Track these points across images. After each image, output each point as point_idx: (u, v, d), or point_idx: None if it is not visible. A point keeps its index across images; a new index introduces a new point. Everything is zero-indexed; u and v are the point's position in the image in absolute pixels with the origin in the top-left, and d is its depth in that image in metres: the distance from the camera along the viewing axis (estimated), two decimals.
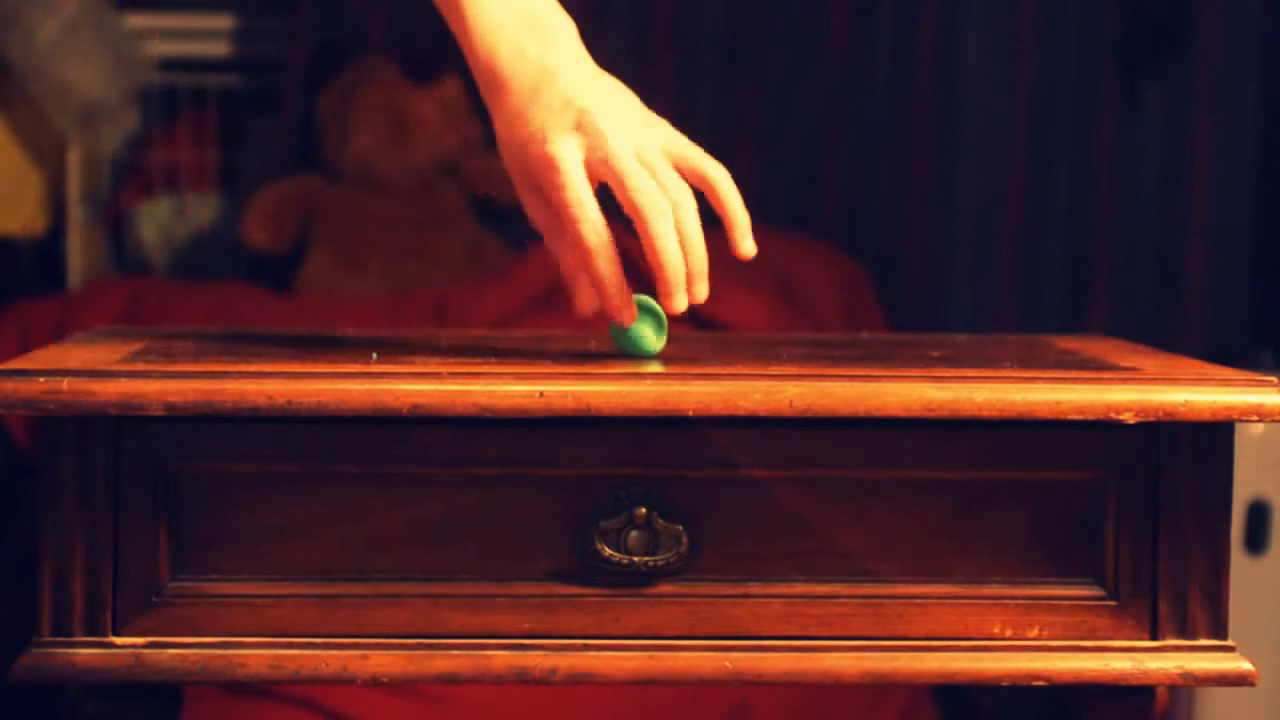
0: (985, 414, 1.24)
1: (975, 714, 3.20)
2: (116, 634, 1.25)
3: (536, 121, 1.32)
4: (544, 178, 1.32)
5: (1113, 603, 1.28)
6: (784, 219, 3.42)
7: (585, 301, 1.36)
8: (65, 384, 1.22)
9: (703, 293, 1.34)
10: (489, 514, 1.26)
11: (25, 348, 2.78)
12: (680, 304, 1.33)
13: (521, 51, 1.34)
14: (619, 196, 1.32)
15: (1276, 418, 1.25)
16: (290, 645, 1.26)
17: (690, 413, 1.23)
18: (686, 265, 1.32)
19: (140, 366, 1.24)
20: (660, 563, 1.26)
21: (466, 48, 1.36)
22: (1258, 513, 2.92)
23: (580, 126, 1.32)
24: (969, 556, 1.28)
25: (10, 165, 3.35)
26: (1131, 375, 1.28)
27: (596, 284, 1.33)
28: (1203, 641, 1.29)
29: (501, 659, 1.26)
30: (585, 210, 1.31)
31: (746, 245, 1.35)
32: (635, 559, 1.26)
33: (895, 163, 3.46)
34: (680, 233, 1.32)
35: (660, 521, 1.26)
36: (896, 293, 3.40)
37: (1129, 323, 3.38)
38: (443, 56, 3.36)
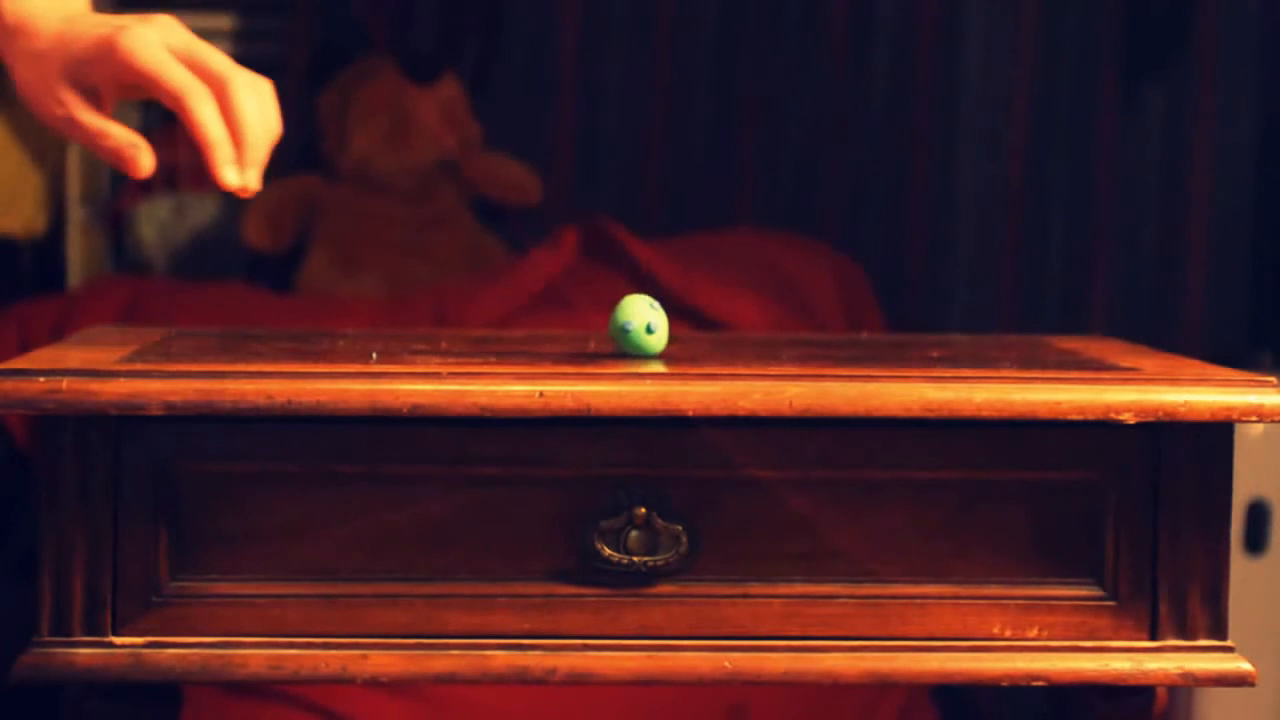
0: (985, 414, 1.24)
1: (975, 714, 3.20)
2: (116, 634, 1.25)
3: (88, 32, 1.33)
4: (121, 63, 1.31)
5: (1112, 603, 1.28)
6: (784, 219, 3.42)
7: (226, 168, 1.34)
8: (65, 384, 1.22)
9: (253, 178, 1.32)
10: (489, 514, 1.26)
11: (25, 348, 2.78)
12: (231, 177, 1.31)
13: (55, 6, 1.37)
14: (159, 85, 1.31)
15: (1276, 418, 1.25)
16: (290, 645, 1.26)
17: (690, 413, 1.23)
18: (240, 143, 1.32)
19: (140, 366, 1.24)
20: (660, 563, 1.26)
21: None
22: (1258, 513, 2.92)
23: (122, 29, 1.32)
24: (969, 557, 1.28)
25: (10, 165, 3.35)
26: (1131, 375, 1.28)
27: (207, 131, 1.31)
28: (1202, 642, 1.29)
29: (501, 659, 1.26)
30: (176, 68, 1.31)
31: (228, 176, 1.31)
32: (635, 559, 1.26)
33: (895, 163, 3.46)
34: (233, 111, 1.31)
35: (660, 521, 1.26)
36: (896, 293, 3.40)
37: (1129, 323, 3.38)
38: (443, 56, 3.36)
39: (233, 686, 2.39)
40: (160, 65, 1.31)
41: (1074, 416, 1.25)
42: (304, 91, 3.39)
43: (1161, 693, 1.32)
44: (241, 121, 1.31)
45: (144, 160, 1.34)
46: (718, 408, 1.23)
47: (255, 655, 1.25)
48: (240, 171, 1.32)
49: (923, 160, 3.45)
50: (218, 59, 1.33)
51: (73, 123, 1.35)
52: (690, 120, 3.47)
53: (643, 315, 1.36)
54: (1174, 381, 1.26)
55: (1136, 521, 1.28)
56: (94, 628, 1.25)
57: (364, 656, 1.26)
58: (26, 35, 1.37)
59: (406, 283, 3.18)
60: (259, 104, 1.33)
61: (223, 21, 3.58)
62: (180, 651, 1.25)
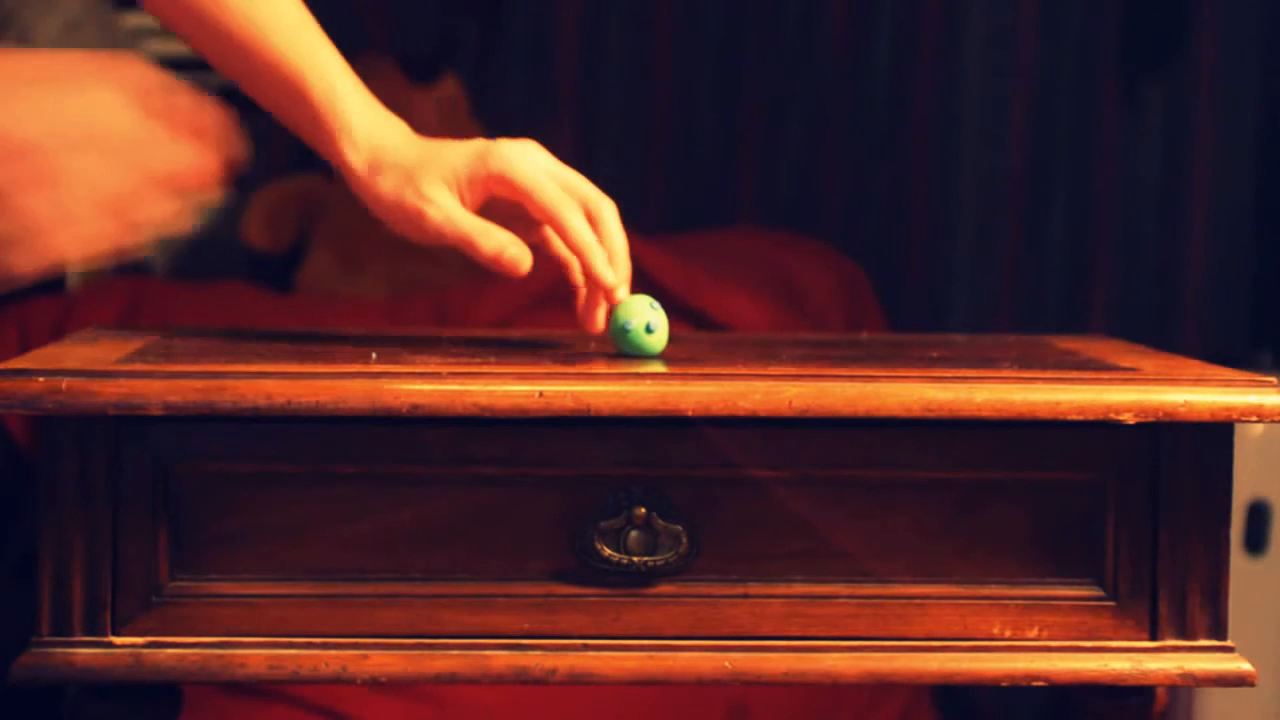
0: (985, 414, 1.24)
1: (975, 714, 3.20)
2: (116, 634, 1.25)
3: (456, 147, 1.41)
4: (497, 174, 1.39)
5: (1112, 603, 1.28)
6: (784, 219, 3.42)
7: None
8: (65, 384, 1.22)
9: (624, 291, 1.40)
10: (489, 514, 1.26)
11: (25, 347, 2.78)
12: (611, 276, 1.38)
13: (400, 130, 1.43)
14: (533, 198, 1.38)
15: (1276, 418, 1.25)
16: (290, 645, 1.26)
17: (690, 413, 1.23)
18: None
19: (140, 366, 1.24)
20: (660, 563, 1.26)
21: (343, 134, 1.42)
22: (1258, 513, 2.92)
23: (495, 144, 1.40)
24: (969, 557, 1.28)
25: None
26: (1131, 375, 1.28)
27: (580, 238, 1.39)
28: (1202, 642, 1.29)
29: (501, 659, 1.26)
30: (551, 184, 1.39)
31: (608, 274, 1.39)
32: (635, 559, 1.26)
33: (895, 163, 3.46)
34: (603, 231, 1.40)
35: (660, 521, 1.26)
36: (896, 293, 3.40)
37: (1129, 323, 3.38)
38: (443, 56, 3.36)
39: (233, 686, 2.39)
40: (536, 181, 1.39)
41: (1074, 416, 1.25)
42: None
43: (1161, 693, 1.32)
44: (611, 240, 1.40)
45: (526, 261, 1.40)
46: (718, 408, 1.23)
47: (255, 655, 1.25)
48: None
49: (923, 160, 3.45)
50: (585, 184, 1.41)
51: (451, 223, 1.39)
52: (690, 120, 3.47)
53: (643, 315, 1.36)
54: (1174, 381, 1.26)
55: (1136, 521, 1.28)
56: (94, 628, 1.25)
57: (364, 656, 1.26)
58: (389, 150, 1.41)
59: (407, 283, 3.18)
60: (619, 225, 1.41)
61: None
62: (180, 651, 1.25)
